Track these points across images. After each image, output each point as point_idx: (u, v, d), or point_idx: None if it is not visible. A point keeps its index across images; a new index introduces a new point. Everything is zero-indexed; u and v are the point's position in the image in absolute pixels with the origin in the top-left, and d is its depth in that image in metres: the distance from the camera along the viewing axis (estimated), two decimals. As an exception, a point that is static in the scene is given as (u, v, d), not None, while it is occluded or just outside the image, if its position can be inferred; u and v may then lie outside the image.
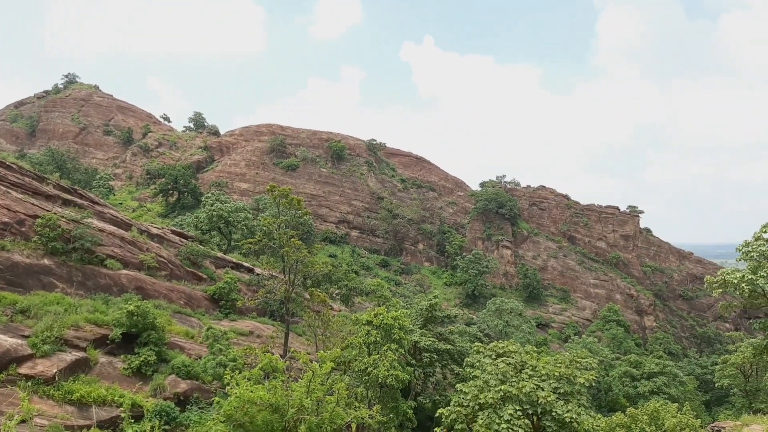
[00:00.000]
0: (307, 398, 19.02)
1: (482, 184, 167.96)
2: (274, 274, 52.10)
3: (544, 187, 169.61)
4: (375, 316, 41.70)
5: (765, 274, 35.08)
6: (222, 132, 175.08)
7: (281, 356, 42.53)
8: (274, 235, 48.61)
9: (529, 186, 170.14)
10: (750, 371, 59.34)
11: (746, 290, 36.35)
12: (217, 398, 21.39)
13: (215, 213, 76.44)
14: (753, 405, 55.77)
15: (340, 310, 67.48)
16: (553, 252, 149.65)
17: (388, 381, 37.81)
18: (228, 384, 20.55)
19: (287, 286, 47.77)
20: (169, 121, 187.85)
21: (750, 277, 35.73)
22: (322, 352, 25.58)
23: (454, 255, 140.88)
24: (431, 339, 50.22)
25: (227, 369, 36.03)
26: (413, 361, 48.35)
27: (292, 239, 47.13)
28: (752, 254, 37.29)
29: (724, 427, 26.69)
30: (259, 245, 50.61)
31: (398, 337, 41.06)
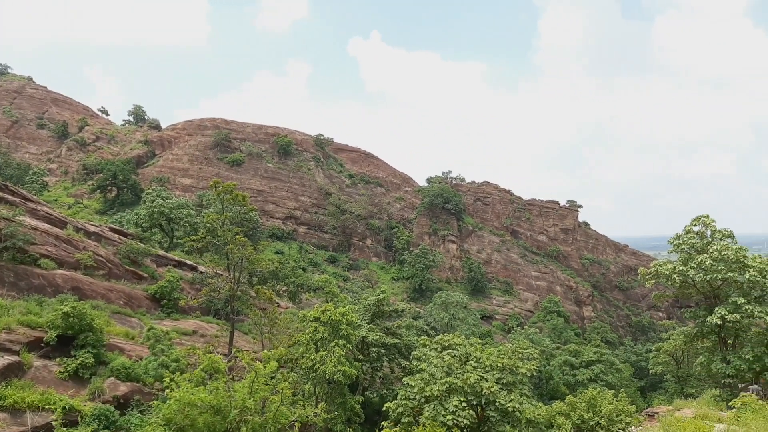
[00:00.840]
0: (250, 399, 18.81)
1: (429, 180, 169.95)
2: (218, 271, 51.15)
3: (488, 182, 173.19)
4: (322, 313, 41.63)
5: (695, 266, 36.96)
6: (164, 126, 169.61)
7: (226, 355, 41.86)
8: (218, 232, 47.71)
9: (473, 182, 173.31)
10: (681, 358, 62.59)
11: (677, 281, 38.24)
12: (155, 402, 20.84)
13: (156, 209, 74.22)
14: (684, 390, 58.75)
15: (287, 308, 66.88)
16: (497, 246, 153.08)
17: (335, 377, 37.87)
18: (167, 387, 20.05)
19: (232, 284, 46.99)
20: (108, 115, 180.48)
21: (681, 268, 37.59)
22: (266, 351, 25.32)
23: (401, 250, 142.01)
24: (379, 334, 50.55)
25: (169, 370, 35.21)
26: (361, 356, 48.57)
27: (237, 236, 46.37)
28: (683, 246, 39.24)
29: (657, 412, 28.03)
30: (202, 242, 49.56)
31: (346, 333, 41.14)
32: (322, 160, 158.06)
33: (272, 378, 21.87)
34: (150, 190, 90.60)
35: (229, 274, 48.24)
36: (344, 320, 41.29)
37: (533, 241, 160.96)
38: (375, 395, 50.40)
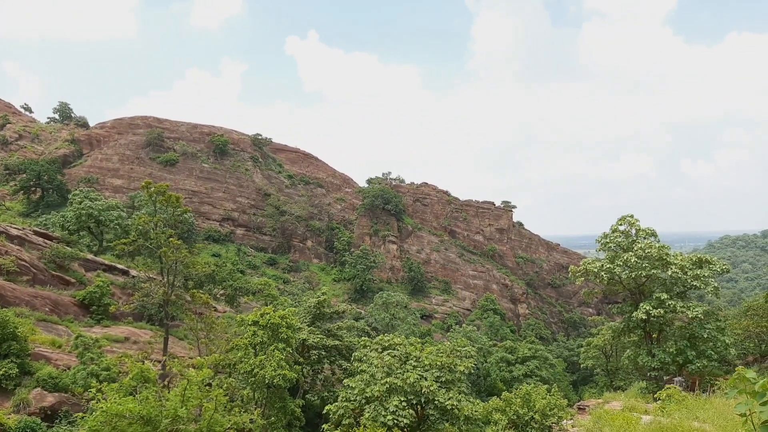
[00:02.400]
0: (182, 407, 18.17)
1: (369, 181, 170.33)
2: (151, 276, 49.42)
3: (427, 183, 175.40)
4: (261, 316, 40.88)
5: (621, 263, 38.72)
6: (92, 124, 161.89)
7: (160, 363, 40.44)
8: (150, 235, 46.02)
9: (413, 183, 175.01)
10: (610, 352, 65.29)
11: (605, 278, 39.92)
12: (80, 414, 19.84)
13: (84, 211, 70.73)
14: (614, 383, 61.33)
15: (224, 312, 65.40)
16: (436, 246, 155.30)
17: (275, 381, 37.26)
18: (94, 398, 19.12)
19: (166, 289, 45.45)
20: (31, 112, 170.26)
21: (608, 266, 39.28)
22: (199, 358, 24.61)
23: (342, 251, 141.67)
24: (320, 336, 50.15)
25: (99, 379, 33.72)
26: (301, 359, 48.01)
27: (171, 239, 44.91)
28: (610, 245, 41.04)
29: (588, 405, 29.14)
30: (134, 246, 47.67)
31: (286, 336, 40.56)
32: (260, 160, 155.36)
33: (207, 385, 21.24)
34: (77, 192, 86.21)
35: (163, 278, 46.65)
36: (284, 323, 40.70)
37: (470, 240, 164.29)
38: (316, 398, 49.96)
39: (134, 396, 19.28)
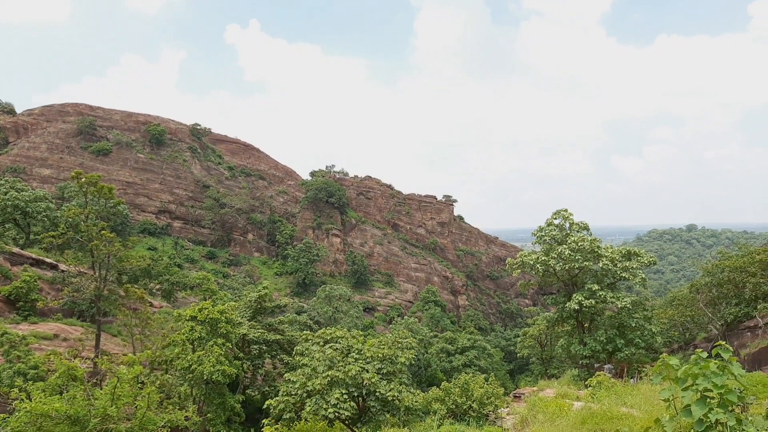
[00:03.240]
0: (112, 406, 17.53)
1: (312, 174, 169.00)
2: (82, 270, 47.35)
3: (371, 177, 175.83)
4: (200, 311, 39.93)
5: (555, 256, 40.14)
6: (19, 111, 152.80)
7: (91, 360, 38.89)
8: (81, 228, 44.11)
9: (356, 176, 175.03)
10: (545, 341, 67.64)
11: (540, 270, 41.31)
12: (2, 415, 18.80)
13: (10, 203, 66.81)
14: (548, 371, 63.59)
15: (161, 307, 63.46)
16: (379, 239, 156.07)
17: (214, 377, 36.54)
18: (17, 397, 18.15)
19: (98, 283, 43.69)
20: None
21: (543, 258, 40.65)
22: (131, 355, 23.82)
23: (284, 244, 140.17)
24: (260, 330, 49.52)
25: (27, 378, 32.06)
26: (241, 355, 47.28)
27: (103, 231, 43.15)
28: (545, 238, 42.46)
29: (524, 393, 30.06)
30: (63, 239, 45.65)
31: (225, 331, 39.82)
32: (199, 150, 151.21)
33: (141, 383, 20.58)
34: (2, 182, 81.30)
35: (95, 273, 44.79)
36: (223, 318, 39.95)
37: (413, 234, 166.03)
38: (256, 393, 49.37)
39: (61, 395, 18.44)
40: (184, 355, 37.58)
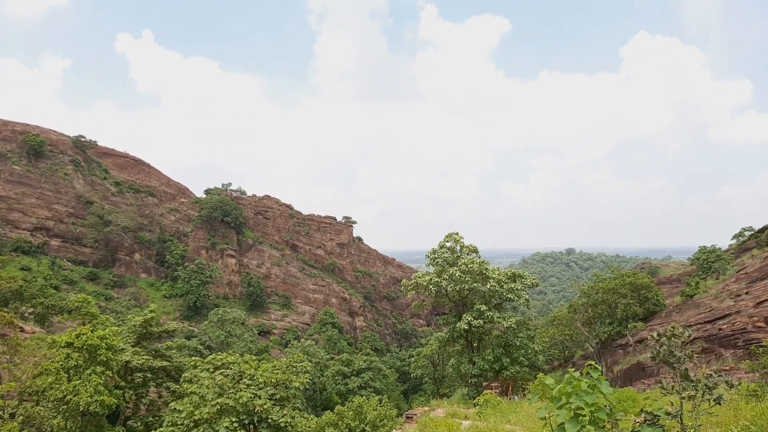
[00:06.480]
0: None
1: (207, 192, 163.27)
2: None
3: (269, 196, 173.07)
4: (77, 337, 37.06)
5: (447, 277, 41.59)
6: None
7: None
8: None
9: (254, 195, 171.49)
10: (437, 361, 69.45)
11: (433, 291, 42.58)
12: None
13: None
14: (440, 390, 65.20)
15: (33, 332, 58.10)
16: (277, 260, 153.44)
17: (91, 408, 33.96)
18: None
19: (-42, 308, 39.27)
20: None
21: (436, 279, 41.96)
22: None
23: (175, 265, 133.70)
24: (145, 357, 46.67)
25: None
26: (123, 383, 44.28)
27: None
28: (438, 260, 43.90)
29: (416, 413, 30.54)
30: None
31: (105, 359, 37.20)
32: (82, 164, 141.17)
33: (11, 416, 18.76)
34: None
35: (-46, 296, 40.29)
36: (104, 344, 37.32)
37: (312, 255, 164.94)
38: (139, 424, 46.31)
39: None
40: (58, 385, 34.64)
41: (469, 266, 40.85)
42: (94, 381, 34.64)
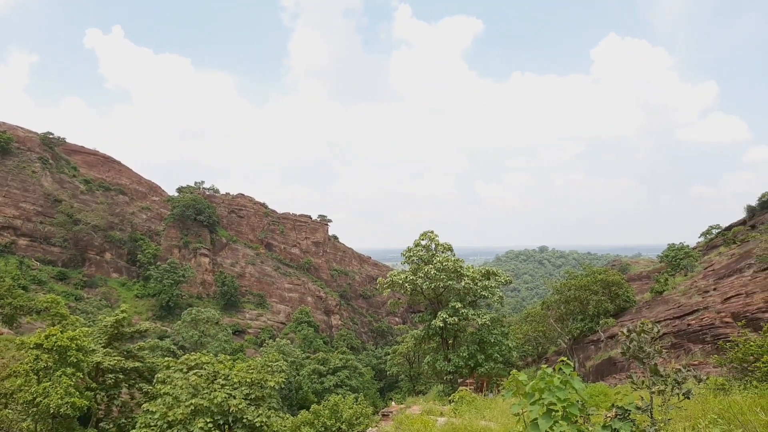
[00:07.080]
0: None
1: (180, 190, 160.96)
2: None
3: (243, 195, 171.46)
4: (46, 338, 36.33)
5: (422, 275, 41.88)
6: None
7: None
8: None
9: (228, 193, 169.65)
10: (413, 358, 69.74)
11: (409, 289, 42.85)
12: None
13: None
14: (416, 387, 65.48)
15: (1, 333, 56.80)
16: (251, 259, 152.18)
17: (62, 410, 33.34)
18: None
19: None
20: None
21: (411, 277, 42.24)
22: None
23: (147, 264, 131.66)
24: (117, 358, 45.93)
25: None
26: (94, 385, 43.54)
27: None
28: (413, 258, 44.18)
29: (392, 411, 30.68)
30: None
31: (75, 360, 36.54)
32: (51, 162, 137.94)
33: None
34: None
35: None
36: (74, 345, 36.66)
37: (287, 253, 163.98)
38: (111, 426, 45.60)
39: None
40: (27, 387, 33.95)
41: (444, 264, 41.17)
42: (65, 383, 34.02)
